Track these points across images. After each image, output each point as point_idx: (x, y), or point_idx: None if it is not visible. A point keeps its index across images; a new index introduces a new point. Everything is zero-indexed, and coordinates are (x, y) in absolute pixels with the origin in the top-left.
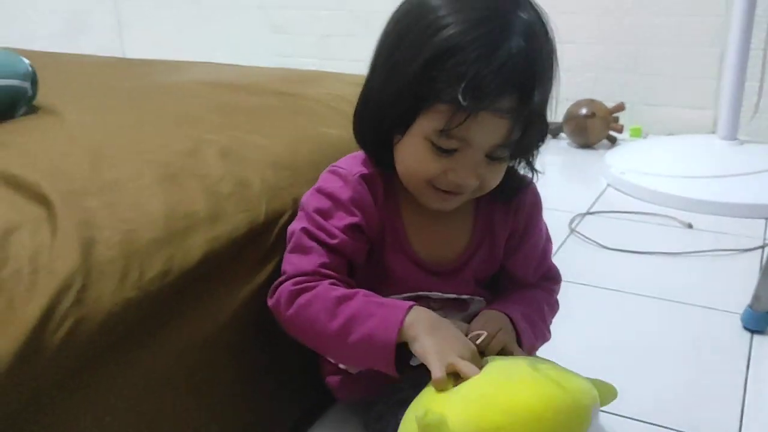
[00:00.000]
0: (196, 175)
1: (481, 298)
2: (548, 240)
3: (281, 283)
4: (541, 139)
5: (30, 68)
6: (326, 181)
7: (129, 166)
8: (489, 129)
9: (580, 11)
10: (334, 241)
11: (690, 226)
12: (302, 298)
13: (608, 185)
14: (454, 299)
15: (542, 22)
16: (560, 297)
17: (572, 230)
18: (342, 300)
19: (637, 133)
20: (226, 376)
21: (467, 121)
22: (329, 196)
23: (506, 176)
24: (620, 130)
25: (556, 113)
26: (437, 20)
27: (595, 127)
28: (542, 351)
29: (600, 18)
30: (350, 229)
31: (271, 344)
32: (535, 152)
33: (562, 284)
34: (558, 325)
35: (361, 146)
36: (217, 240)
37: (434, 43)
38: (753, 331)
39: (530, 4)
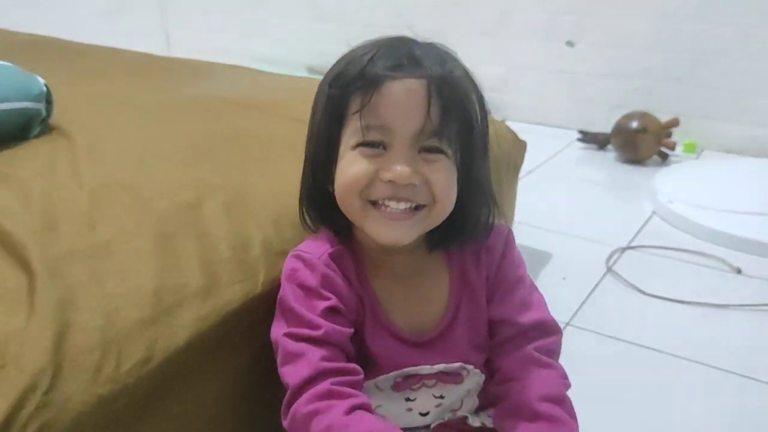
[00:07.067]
0: (195, 233)
1: (475, 369)
2: (533, 285)
3: (292, 400)
4: (478, 134)
5: (44, 88)
6: (292, 269)
7: (126, 220)
8: (401, 103)
9: (637, 15)
10: (319, 332)
11: (739, 271)
12: (317, 424)
13: (654, 213)
14: (447, 373)
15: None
16: (587, 351)
17: (609, 269)
18: None
19: (691, 149)
20: None
21: (375, 96)
22: (300, 285)
23: (468, 210)
24: (672, 147)
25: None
26: (331, 68)
27: (646, 143)
28: None
29: (658, 23)
30: (328, 314)
31: (258, 428)
32: (481, 159)
33: (591, 336)
34: (580, 385)
35: (314, 226)
36: (206, 319)
37: (333, 70)
38: None
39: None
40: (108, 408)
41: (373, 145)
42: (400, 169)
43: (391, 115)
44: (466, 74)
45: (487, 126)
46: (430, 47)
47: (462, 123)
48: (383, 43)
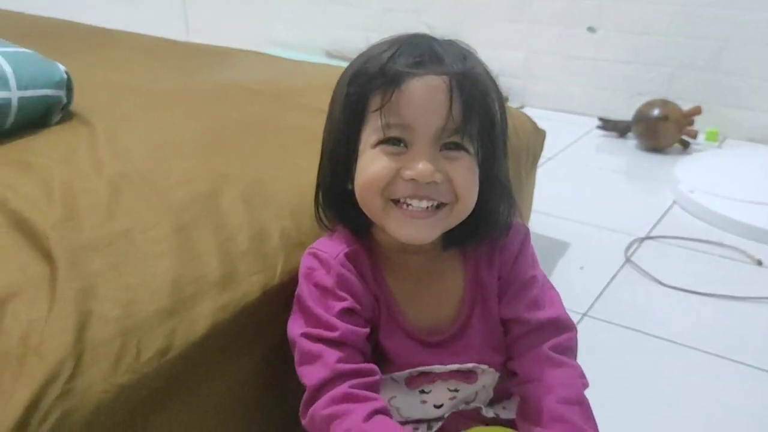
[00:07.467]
0: (213, 224)
1: (490, 368)
2: (548, 283)
3: (310, 401)
4: (499, 131)
5: (65, 75)
6: (309, 267)
7: (144, 210)
8: (423, 101)
9: (659, 1)
10: (336, 334)
11: (760, 263)
12: (336, 429)
13: (674, 203)
14: (460, 371)
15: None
16: (604, 342)
17: (628, 259)
18: None
19: (713, 138)
20: None
21: (396, 93)
22: (316, 285)
23: (489, 208)
24: (694, 136)
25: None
26: (350, 65)
27: (667, 131)
28: None
29: (681, 8)
30: (344, 315)
31: (272, 420)
32: (501, 156)
33: (608, 327)
34: (597, 377)
35: (331, 225)
36: (224, 309)
37: (352, 67)
38: None
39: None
40: (128, 397)
41: (394, 143)
42: (421, 167)
43: (413, 113)
44: (486, 71)
45: (507, 123)
46: (450, 44)
47: (483, 120)
48: (403, 40)
